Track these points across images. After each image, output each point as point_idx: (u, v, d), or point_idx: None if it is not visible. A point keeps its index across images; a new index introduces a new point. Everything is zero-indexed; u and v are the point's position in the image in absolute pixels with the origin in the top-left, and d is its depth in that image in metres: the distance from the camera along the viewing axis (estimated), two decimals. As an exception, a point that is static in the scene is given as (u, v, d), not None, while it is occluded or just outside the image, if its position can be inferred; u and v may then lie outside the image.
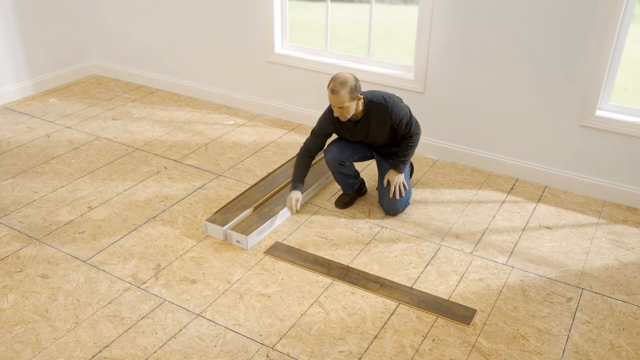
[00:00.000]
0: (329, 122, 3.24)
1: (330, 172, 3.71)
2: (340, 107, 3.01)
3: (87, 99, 5.03)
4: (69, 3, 5.18)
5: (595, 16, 3.25)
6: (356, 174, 3.45)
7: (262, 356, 2.47)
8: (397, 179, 3.31)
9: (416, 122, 3.26)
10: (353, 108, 3.05)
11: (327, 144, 3.36)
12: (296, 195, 3.25)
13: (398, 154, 3.33)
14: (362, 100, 3.10)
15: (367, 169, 3.94)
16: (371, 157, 3.50)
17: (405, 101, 4.01)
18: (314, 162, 3.75)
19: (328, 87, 3.01)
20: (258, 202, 3.37)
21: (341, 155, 3.29)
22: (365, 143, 3.39)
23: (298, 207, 3.27)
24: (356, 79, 3.02)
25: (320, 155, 3.94)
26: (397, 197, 3.31)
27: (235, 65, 4.73)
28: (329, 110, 3.24)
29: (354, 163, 3.88)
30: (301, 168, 3.29)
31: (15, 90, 4.97)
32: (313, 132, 3.28)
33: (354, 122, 3.21)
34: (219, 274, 2.94)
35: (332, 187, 3.71)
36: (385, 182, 3.35)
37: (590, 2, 3.23)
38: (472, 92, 3.79)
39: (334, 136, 4.12)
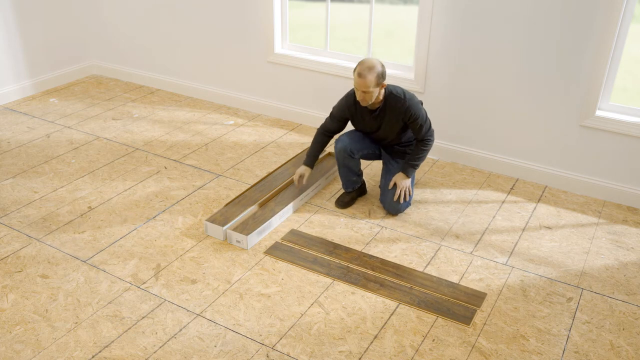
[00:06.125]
0: (345, 106, 3.30)
1: (330, 173, 3.71)
2: (364, 92, 3.05)
3: (87, 99, 5.04)
4: (69, 3, 5.18)
5: (595, 16, 3.25)
6: (360, 173, 3.47)
7: (262, 356, 2.47)
8: (404, 183, 3.32)
9: (431, 127, 3.28)
10: (376, 94, 3.09)
11: (339, 135, 3.40)
12: (302, 170, 3.40)
13: (409, 157, 3.32)
14: (384, 90, 3.15)
15: (367, 169, 3.94)
16: (378, 156, 3.53)
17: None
18: (317, 161, 3.76)
19: (355, 71, 3.06)
20: (264, 198, 3.39)
21: (351, 145, 3.33)
22: (376, 138, 3.41)
23: (303, 182, 3.40)
24: (383, 66, 3.07)
25: (325, 153, 3.94)
26: (402, 200, 3.32)
27: (235, 65, 4.73)
28: (347, 96, 3.30)
29: (361, 160, 3.89)
30: (316, 144, 3.40)
31: (15, 90, 4.97)
32: (331, 114, 3.37)
33: (369, 111, 3.25)
34: (219, 274, 2.94)
35: (332, 187, 3.72)
36: (391, 184, 3.35)
37: (590, 2, 3.23)
38: (472, 92, 3.79)
39: (349, 127, 4.16)
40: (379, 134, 3.36)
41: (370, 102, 3.12)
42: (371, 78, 3.00)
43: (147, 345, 2.52)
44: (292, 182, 3.59)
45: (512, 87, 3.65)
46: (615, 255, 3.11)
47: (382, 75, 3.04)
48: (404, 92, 3.20)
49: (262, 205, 3.37)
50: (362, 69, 3.01)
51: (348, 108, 3.30)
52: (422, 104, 3.26)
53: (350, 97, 3.28)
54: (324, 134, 3.40)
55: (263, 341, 2.54)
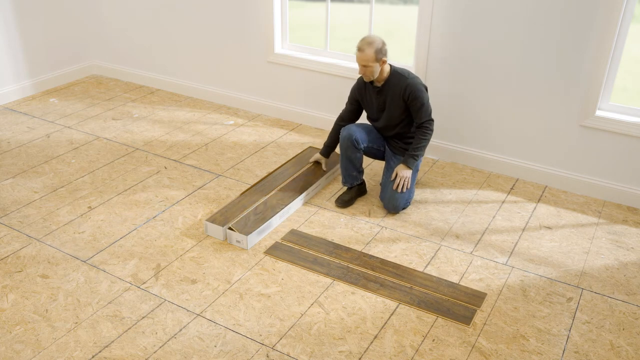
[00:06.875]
0: (356, 87, 3.51)
1: (330, 173, 3.72)
2: (364, 66, 3.23)
3: (87, 99, 5.04)
4: (68, 3, 5.18)
5: (595, 16, 3.25)
6: (361, 169, 3.51)
7: (262, 356, 2.47)
8: (405, 173, 3.37)
9: (431, 114, 3.38)
10: (376, 70, 3.25)
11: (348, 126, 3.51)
12: (316, 157, 3.75)
13: (410, 147, 3.40)
14: (386, 66, 3.30)
15: (367, 169, 3.94)
16: (382, 154, 3.57)
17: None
18: (332, 151, 3.81)
19: (357, 46, 3.25)
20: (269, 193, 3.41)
21: (357, 134, 3.42)
22: (382, 126, 3.46)
23: (323, 168, 3.71)
24: (383, 43, 3.23)
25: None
26: (399, 190, 3.34)
27: (235, 65, 4.73)
28: (359, 78, 3.49)
29: (364, 156, 3.92)
30: (331, 134, 3.67)
31: (15, 90, 4.97)
32: (347, 102, 3.59)
33: (374, 88, 3.39)
34: (219, 274, 2.94)
35: (332, 187, 3.72)
36: (393, 175, 3.39)
37: (590, 2, 3.23)
38: (472, 92, 3.79)
39: (362, 120, 4.21)
40: (384, 117, 3.40)
41: (372, 78, 3.28)
42: (370, 52, 3.16)
43: (147, 345, 2.52)
44: (292, 180, 3.60)
45: (512, 87, 3.65)
46: (615, 255, 3.11)
47: (381, 51, 3.19)
48: (409, 72, 3.33)
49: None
50: (362, 44, 3.20)
51: (358, 88, 3.48)
52: (426, 89, 3.34)
53: (361, 79, 3.47)
54: (339, 123, 3.62)
55: (263, 341, 2.54)
